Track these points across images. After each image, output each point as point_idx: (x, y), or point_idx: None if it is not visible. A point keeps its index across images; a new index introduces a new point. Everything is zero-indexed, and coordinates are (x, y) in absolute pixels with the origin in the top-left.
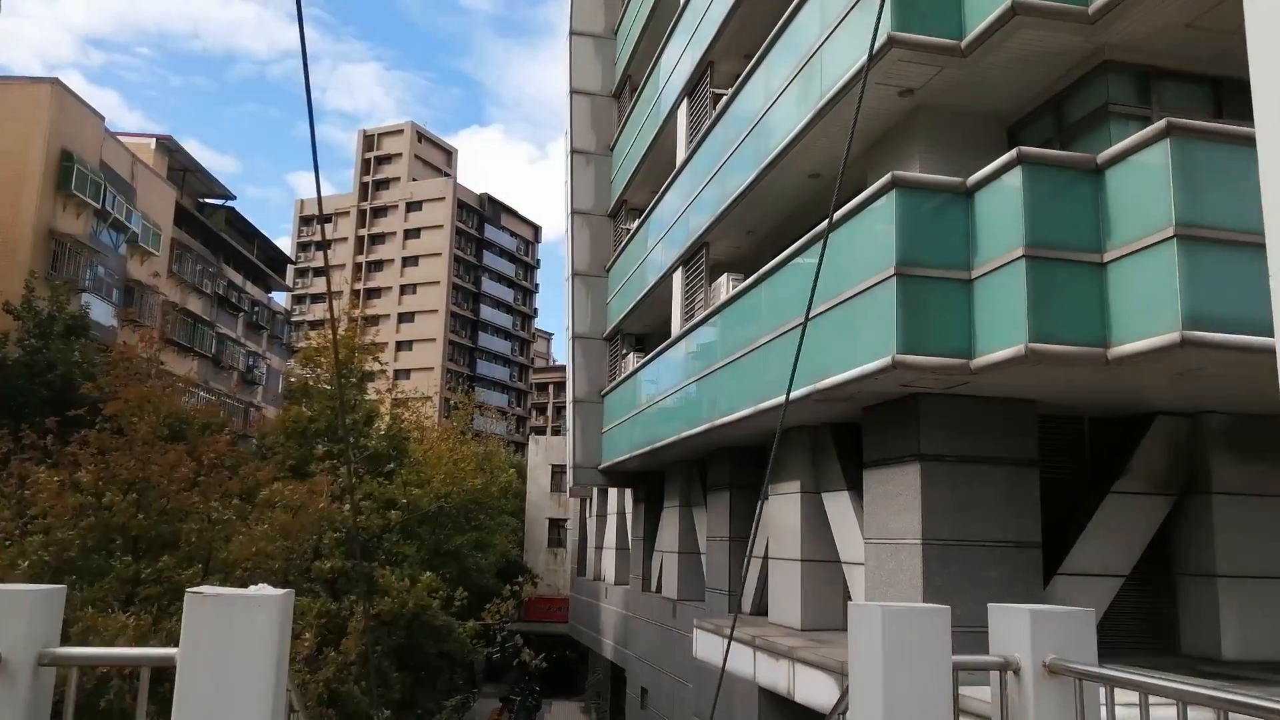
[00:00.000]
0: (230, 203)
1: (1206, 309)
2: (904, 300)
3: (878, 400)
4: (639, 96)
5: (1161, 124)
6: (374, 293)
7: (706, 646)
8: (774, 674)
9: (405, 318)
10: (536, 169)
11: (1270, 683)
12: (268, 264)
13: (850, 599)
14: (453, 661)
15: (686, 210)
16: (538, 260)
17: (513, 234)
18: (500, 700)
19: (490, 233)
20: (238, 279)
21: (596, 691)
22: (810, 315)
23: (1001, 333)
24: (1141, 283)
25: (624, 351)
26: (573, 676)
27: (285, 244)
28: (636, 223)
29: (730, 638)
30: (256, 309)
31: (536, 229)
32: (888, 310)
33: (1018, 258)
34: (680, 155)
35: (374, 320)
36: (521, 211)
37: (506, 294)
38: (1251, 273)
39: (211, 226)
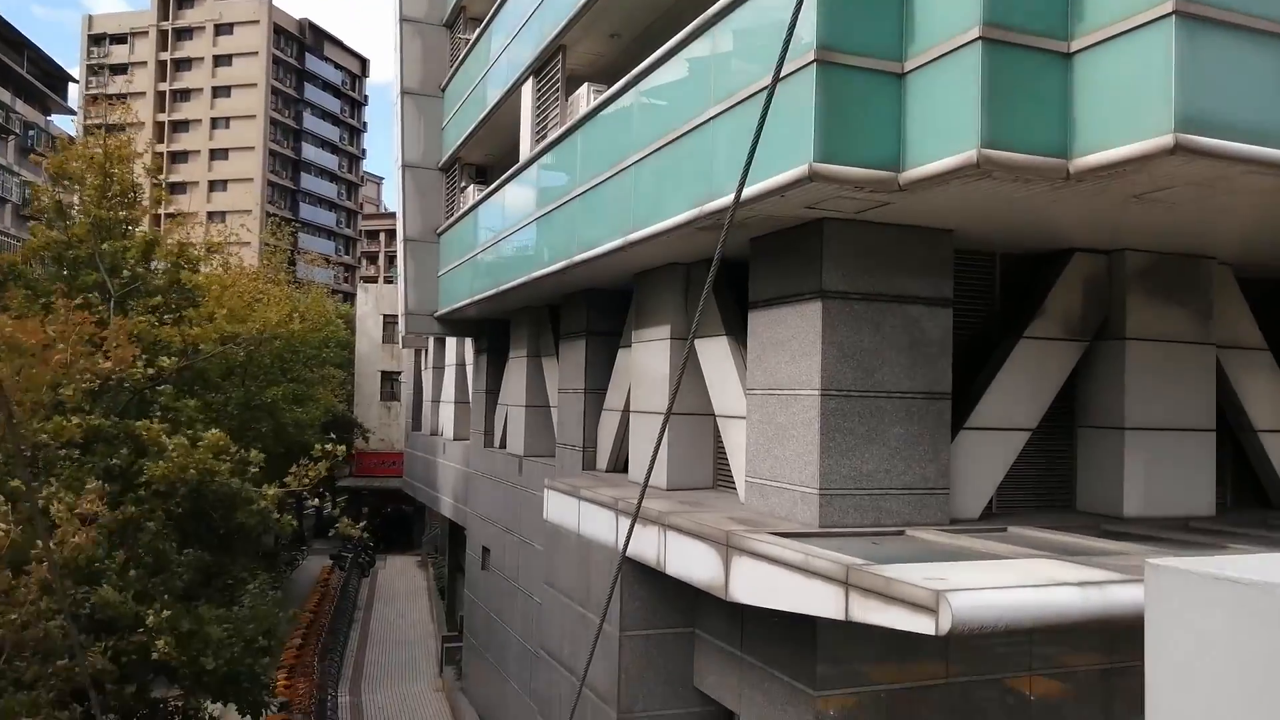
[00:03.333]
0: None
1: (1205, 110)
2: (825, 95)
3: (773, 228)
4: None
5: None
6: (181, 126)
7: (560, 509)
8: (641, 542)
9: (218, 154)
10: (366, 4)
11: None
12: (44, 81)
13: (726, 457)
14: (265, 526)
15: (538, 9)
16: (366, 97)
17: (338, 65)
18: (331, 558)
19: (312, 64)
20: (5, 96)
21: (434, 546)
22: (708, 117)
23: (943, 138)
24: (1120, 77)
25: (463, 184)
26: (409, 531)
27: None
28: (478, 31)
29: (634, 518)
30: (32, 132)
31: (364, 62)
32: (804, 108)
33: (972, 40)
34: None
35: (182, 157)
36: (348, 43)
37: (332, 132)
38: (1257, 67)
39: None
